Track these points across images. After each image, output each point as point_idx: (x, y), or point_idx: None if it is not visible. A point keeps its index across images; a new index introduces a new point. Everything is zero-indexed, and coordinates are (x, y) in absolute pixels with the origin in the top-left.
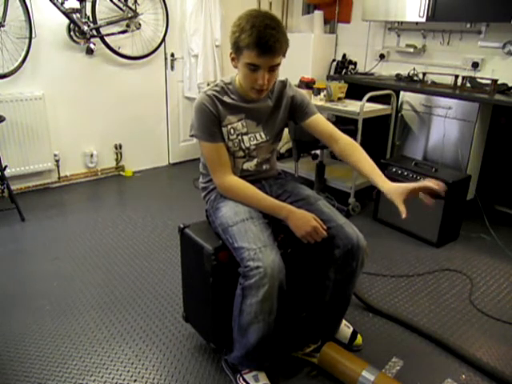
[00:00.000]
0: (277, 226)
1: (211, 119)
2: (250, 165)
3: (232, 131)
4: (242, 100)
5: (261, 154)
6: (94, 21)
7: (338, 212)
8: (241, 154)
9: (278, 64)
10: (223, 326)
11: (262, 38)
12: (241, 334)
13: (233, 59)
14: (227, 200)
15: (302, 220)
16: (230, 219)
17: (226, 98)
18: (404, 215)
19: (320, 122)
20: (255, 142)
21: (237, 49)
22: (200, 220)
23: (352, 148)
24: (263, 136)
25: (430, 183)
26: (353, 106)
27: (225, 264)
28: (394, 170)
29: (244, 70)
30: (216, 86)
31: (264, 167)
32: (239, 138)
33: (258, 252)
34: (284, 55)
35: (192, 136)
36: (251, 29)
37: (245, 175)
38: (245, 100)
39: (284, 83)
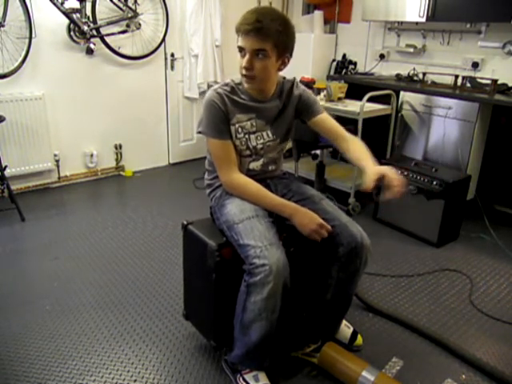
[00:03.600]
0: (279, 225)
1: (220, 116)
2: (256, 164)
3: (240, 130)
4: (252, 100)
5: (267, 153)
6: (94, 21)
7: (341, 211)
8: (247, 152)
9: (263, 51)
10: (224, 324)
11: (246, 19)
12: (243, 332)
13: None
14: (233, 197)
15: (307, 218)
16: (235, 216)
17: (236, 97)
18: (364, 186)
19: (327, 121)
20: (262, 140)
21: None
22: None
23: (355, 143)
24: (270, 135)
25: (396, 181)
26: (353, 106)
27: (228, 260)
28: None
29: (239, 58)
30: (226, 85)
31: (270, 167)
32: (246, 136)
33: (264, 250)
34: (277, 47)
35: (199, 133)
36: (243, 15)
37: (251, 175)
38: (255, 100)
39: (292, 82)
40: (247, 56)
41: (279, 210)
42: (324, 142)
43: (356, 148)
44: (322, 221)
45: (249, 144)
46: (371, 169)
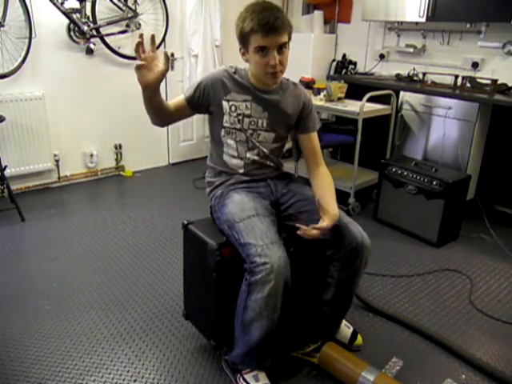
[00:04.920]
0: (279, 225)
1: (202, 90)
2: (252, 153)
3: (233, 108)
4: (253, 86)
5: (261, 144)
6: (94, 21)
7: (342, 212)
8: (243, 137)
9: (286, 43)
10: (224, 323)
11: (262, 19)
12: (243, 331)
13: (243, 54)
14: (233, 196)
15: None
16: (236, 215)
17: (236, 76)
18: (300, 231)
19: (314, 141)
20: (255, 126)
21: (243, 39)
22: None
23: (326, 178)
24: (264, 125)
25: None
26: (353, 106)
27: (228, 260)
28: (393, 169)
29: (255, 58)
30: (231, 66)
31: (268, 162)
32: (239, 117)
33: (265, 248)
34: (289, 38)
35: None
36: (251, 15)
37: (248, 163)
38: (255, 87)
39: (297, 86)
40: (273, 53)
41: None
42: (324, 142)
43: (323, 184)
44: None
45: (241, 125)
46: (331, 214)
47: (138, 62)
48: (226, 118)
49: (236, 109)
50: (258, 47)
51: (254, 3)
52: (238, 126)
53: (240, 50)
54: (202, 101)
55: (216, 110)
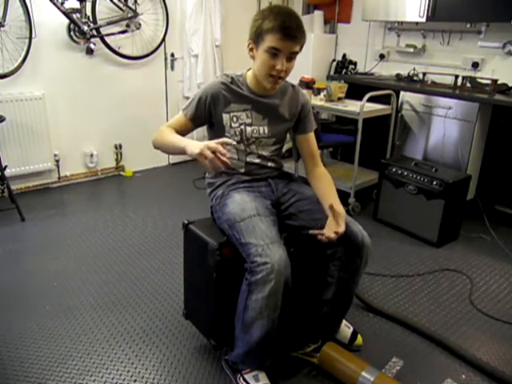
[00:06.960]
0: (280, 225)
1: (204, 107)
2: (252, 157)
3: (235, 119)
4: (251, 92)
5: (260, 149)
6: (94, 21)
7: None
8: (242, 147)
9: (296, 53)
10: (224, 323)
11: (286, 22)
12: (244, 331)
13: (251, 49)
14: (234, 196)
15: (196, 145)
16: (237, 215)
17: (234, 87)
18: (321, 236)
19: (311, 141)
20: (257, 135)
21: (258, 35)
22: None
23: (326, 179)
24: (266, 131)
25: (329, 233)
26: (353, 106)
27: (228, 259)
28: (394, 170)
29: (263, 57)
30: (227, 76)
31: (269, 164)
32: (241, 127)
33: (266, 248)
34: (301, 49)
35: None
36: (276, 15)
37: (251, 168)
38: (254, 93)
39: (296, 88)
40: (282, 58)
41: (178, 146)
42: (324, 142)
43: (325, 185)
44: (213, 146)
45: (243, 135)
46: (341, 215)
47: (210, 155)
48: (226, 129)
49: (237, 119)
50: (271, 48)
51: (279, 6)
52: (238, 137)
53: (249, 45)
54: (205, 115)
55: (217, 122)
